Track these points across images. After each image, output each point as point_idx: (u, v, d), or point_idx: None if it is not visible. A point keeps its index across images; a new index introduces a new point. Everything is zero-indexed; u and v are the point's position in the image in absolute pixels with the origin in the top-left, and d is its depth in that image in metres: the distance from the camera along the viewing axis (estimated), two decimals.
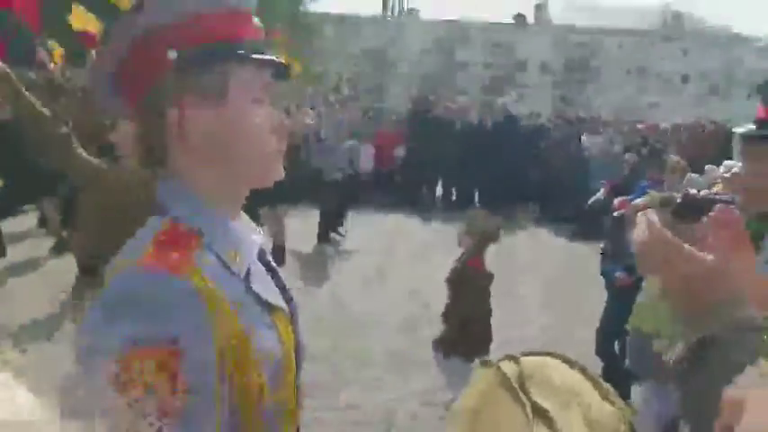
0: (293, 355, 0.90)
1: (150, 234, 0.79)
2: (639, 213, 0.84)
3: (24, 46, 6.88)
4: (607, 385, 0.77)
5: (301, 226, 7.19)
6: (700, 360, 0.74)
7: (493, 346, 4.52)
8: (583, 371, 0.79)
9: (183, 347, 0.69)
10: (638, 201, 3.51)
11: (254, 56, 0.82)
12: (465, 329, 3.47)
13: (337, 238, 7.67)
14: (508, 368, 0.77)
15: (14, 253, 5.57)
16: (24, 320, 4.14)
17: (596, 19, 54.74)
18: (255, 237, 0.91)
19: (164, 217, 0.81)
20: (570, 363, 0.79)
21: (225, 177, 0.84)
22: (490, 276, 3.52)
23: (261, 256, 0.91)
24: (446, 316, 3.54)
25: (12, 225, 6.14)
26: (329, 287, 5.85)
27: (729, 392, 0.56)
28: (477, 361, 3.45)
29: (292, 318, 0.92)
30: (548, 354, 0.82)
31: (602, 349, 4.02)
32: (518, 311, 5.44)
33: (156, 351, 0.68)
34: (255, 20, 0.86)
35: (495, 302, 5.50)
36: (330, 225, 7.53)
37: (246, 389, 0.78)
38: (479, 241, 3.45)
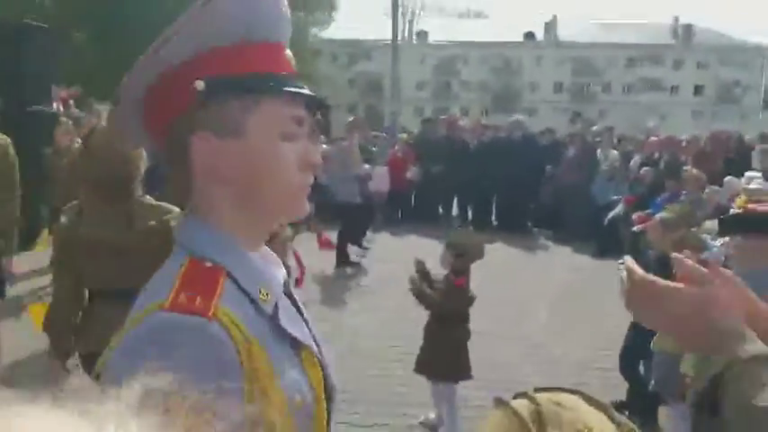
0: (323, 395, 0.86)
1: (174, 273, 0.77)
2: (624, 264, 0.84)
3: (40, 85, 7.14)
4: (631, 425, 0.73)
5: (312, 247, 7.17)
6: (713, 403, 0.72)
7: (524, 367, 4.48)
8: (604, 409, 0.74)
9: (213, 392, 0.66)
10: (658, 216, 3.44)
11: (285, 89, 0.79)
12: (446, 351, 3.43)
13: (358, 257, 7.63)
14: (524, 409, 0.72)
15: None
16: None
17: (605, 35, 54.80)
18: (279, 271, 0.88)
19: (187, 253, 0.79)
20: (590, 400, 0.75)
21: (247, 213, 0.81)
22: (471, 298, 3.46)
23: (284, 290, 0.88)
24: (426, 336, 3.48)
25: None
26: (350, 316, 5.80)
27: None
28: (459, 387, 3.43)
29: (320, 355, 0.89)
30: (565, 390, 0.77)
31: (627, 370, 3.92)
32: (542, 331, 5.34)
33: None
34: (288, 52, 0.84)
35: (521, 322, 5.52)
36: (352, 240, 7.53)
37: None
38: (464, 260, 3.41)
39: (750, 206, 2.22)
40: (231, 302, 0.75)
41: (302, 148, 0.82)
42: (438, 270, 3.60)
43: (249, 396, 0.71)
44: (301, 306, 0.92)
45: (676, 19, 57.42)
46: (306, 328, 0.88)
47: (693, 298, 0.77)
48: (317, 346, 0.89)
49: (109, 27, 19.16)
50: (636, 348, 3.76)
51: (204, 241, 0.80)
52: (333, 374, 0.92)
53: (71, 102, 8.32)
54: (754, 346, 0.72)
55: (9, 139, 3.52)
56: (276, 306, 0.81)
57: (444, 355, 3.41)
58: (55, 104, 7.63)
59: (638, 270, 0.80)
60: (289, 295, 0.89)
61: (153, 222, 2.33)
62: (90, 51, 19.03)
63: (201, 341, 0.70)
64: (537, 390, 0.78)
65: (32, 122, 6.60)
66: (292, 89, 0.80)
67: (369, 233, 8.97)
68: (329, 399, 0.89)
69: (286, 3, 0.83)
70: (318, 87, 32.50)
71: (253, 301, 0.78)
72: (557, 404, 0.73)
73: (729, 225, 2.38)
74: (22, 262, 3.70)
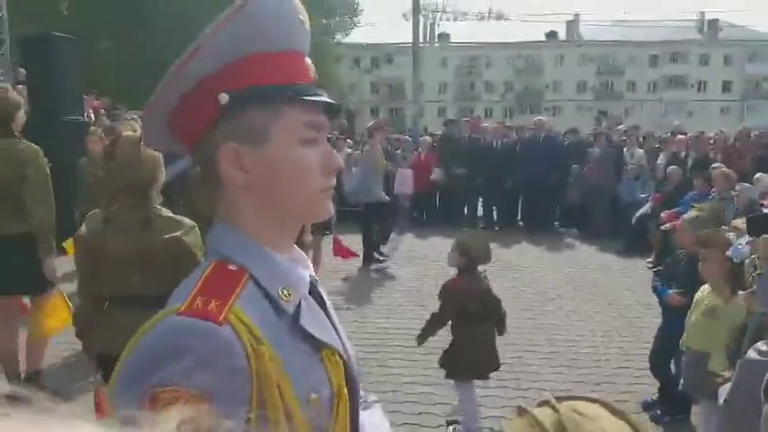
0: (345, 394, 0.88)
1: (197, 278, 0.80)
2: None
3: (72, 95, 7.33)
4: None
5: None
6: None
7: (550, 367, 4.46)
8: (626, 419, 0.74)
9: (215, 400, 0.69)
10: (686, 215, 3.40)
11: (303, 97, 0.82)
12: (451, 349, 3.47)
13: (383, 258, 7.68)
14: (546, 418, 0.73)
15: None
16: None
17: (629, 33, 54.07)
18: (306, 271, 0.90)
19: (215, 258, 0.82)
20: (612, 410, 0.75)
21: (273, 217, 0.85)
22: (472, 298, 3.45)
23: (312, 290, 0.90)
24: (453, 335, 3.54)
25: None
26: (374, 310, 5.83)
27: None
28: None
29: (346, 355, 0.91)
30: (587, 398, 0.78)
31: (658, 369, 3.88)
32: (568, 331, 5.31)
33: (186, 395, 0.69)
34: (307, 60, 0.86)
35: (547, 322, 5.49)
36: (376, 242, 7.59)
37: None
38: (470, 261, 3.44)
39: None
40: (250, 304, 0.77)
41: (323, 152, 0.86)
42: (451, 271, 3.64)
43: (256, 401, 0.73)
44: (329, 306, 0.95)
45: (702, 14, 56.37)
46: (331, 328, 0.90)
47: None
48: (343, 344, 0.91)
49: (137, 37, 19.56)
50: (666, 347, 3.72)
51: (230, 245, 0.83)
52: (356, 371, 0.94)
53: (102, 111, 8.53)
54: None
55: (39, 148, 3.63)
56: (299, 306, 0.83)
57: (462, 354, 3.43)
58: (86, 114, 7.83)
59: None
60: (316, 295, 0.91)
61: (168, 234, 2.41)
62: (119, 61, 19.45)
63: (209, 346, 0.72)
64: (559, 398, 0.78)
65: (64, 132, 6.78)
66: (312, 97, 0.83)
67: (393, 234, 9.01)
68: (352, 393, 0.91)
69: (305, 13, 0.86)
70: (341, 92, 32.76)
71: (273, 301, 0.81)
72: (578, 413, 0.74)
73: (759, 224, 2.35)
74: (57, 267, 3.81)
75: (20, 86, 7.40)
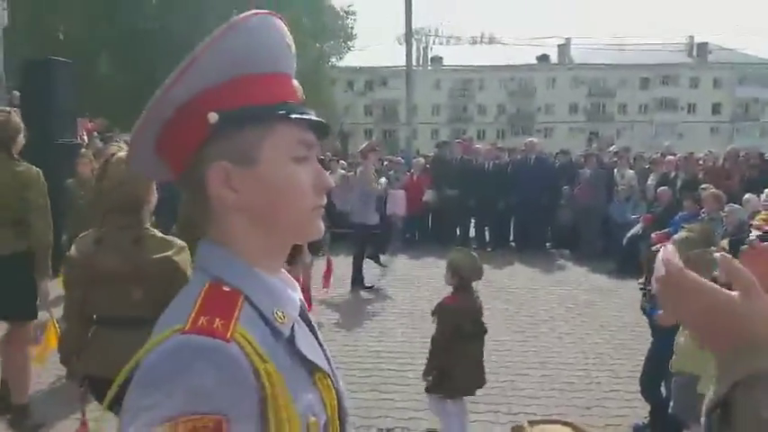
0: (337, 418, 0.89)
1: (193, 297, 0.78)
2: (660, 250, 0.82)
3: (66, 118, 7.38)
4: None
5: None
6: (726, 416, 0.69)
7: (540, 389, 4.45)
8: None
9: (230, 417, 0.69)
10: (677, 236, 3.42)
11: (293, 116, 0.83)
12: (441, 367, 3.49)
13: (375, 277, 7.66)
14: None
15: None
16: None
17: (619, 56, 54.81)
18: (295, 293, 0.90)
19: (205, 278, 0.81)
20: (576, 429, 0.76)
21: (263, 237, 0.84)
22: (465, 312, 3.51)
23: (301, 313, 0.90)
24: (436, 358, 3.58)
25: None
26: (365, 334, 5.81)
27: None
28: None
29: (333, 378, 0.91)
30: (561, 422, 0.79)
31: (648, 392, 3.88)
32: (559, 352, 5.31)
33: (202, 420, 0.67)
34: (294, 82, 0.88)
35: (539, 343, 5.49)
36: (372, 257, 7.61)
37: None
38: (462, 279, 3.51)
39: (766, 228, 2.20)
40: (249, 325, 0.76)
41: (314, 170, 0.86)
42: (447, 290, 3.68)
43: (265, 419, 0.73)
44: (316, 329, 0.94)
45: (691, 38, 57.25)
46: (321, 352, 0.90)
47: (737, 302, 0.73)
48: (332, 369, 0.91)
49: (132, 59, 19.69)
50: (656, 370, 3.73)
51: (223, 266, 0.82)
52: (345, 398, 0.94)
53: (95, 133, 8.57)
54: None
55: (39, 170, 3.66)
56: (293, 329, 0.83)
57: (455, 372, 3.46)
58: (79, 136, 7.86)
59: (679, 262, 0.77)
60: (305, 318, 0.91)
61: (159, 254, 2.40)
62: (116, 84, 19.54)
63: (221, 362, 0.71)
64: (532, 422, 0.80)
65: (57, 154, 6.80)
66: (300, 115, 0.84)
67: (386, 255, 9.02)
68: (342, 422, 0.91)
69: (290, 36, 0.88)
70: (336, 114, 32.97)
71: (269, 323, 0.80)
72: None
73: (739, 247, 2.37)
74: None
75: (14, 109, 7.43)
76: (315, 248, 6.05)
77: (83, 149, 6.82)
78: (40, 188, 3.61)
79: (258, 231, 0.84)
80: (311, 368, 0.84)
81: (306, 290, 6.17)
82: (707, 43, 56.04)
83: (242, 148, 0.81)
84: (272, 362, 0.75)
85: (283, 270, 0.91)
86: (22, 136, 3.70)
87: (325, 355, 0.92)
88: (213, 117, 0.79)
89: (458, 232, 10.49)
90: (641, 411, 4.02)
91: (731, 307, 0.73)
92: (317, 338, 0.92)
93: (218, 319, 0.74)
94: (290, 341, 0.81)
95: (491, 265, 8.71)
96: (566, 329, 5.97)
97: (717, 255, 0.82)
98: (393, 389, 4.48)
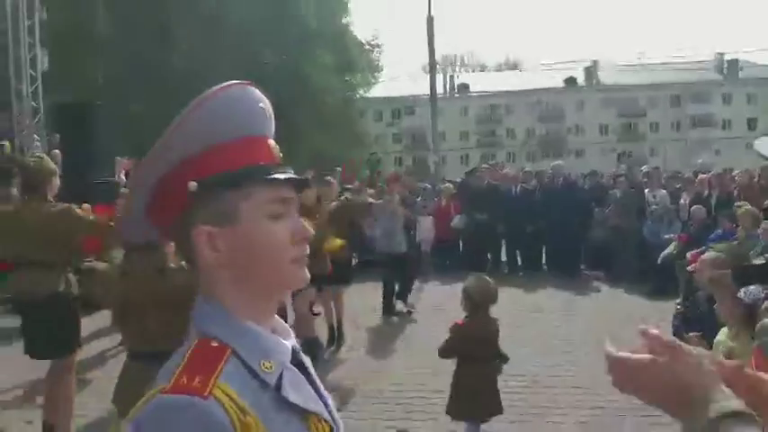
0: None
1: (182, 357, 0.84)
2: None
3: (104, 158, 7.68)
4: None
5: (360, 300, 7.27)
6: None
7: (573, 415, 4.37)
8: None
9: None
10: (705, 257, 3.35)
11: (268, 177, 0.90)
12: (456, 389, 3.58)
13: (404, 309, 7.65)
14: None
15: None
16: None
17: (648, 76, 54.28)
18: (288, 341, 0.94)
19: (197, 336, 0.87)
20: None
21: (249, 291, 0.89)
22: (476, 342, 3.56)
23: (295, 358, 0.93)
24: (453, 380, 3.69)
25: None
26: (398, 363, 5.80)
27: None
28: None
29: (332, 421, 0.94)
30: None
31: None
32: (594, 376, 5.20)
33: None
34: (271, 142, 0.95)
35: (573, 367, 5.38)
36: (395, 295, 7.57)
37: None
38: (472, 304, 3.58)
39: None
40: (233, 378, 0.81)
41: (291, 224, 0.91)
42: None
43: None
44: (312, 372, 0.98)
45: (721, 55, 56.39)
46: (316, 396, 0.94)
47: (662, 367, 0.80)
48: (330, 411, 0.95)
49: (164, 96, 20.36)
50: None
51: (211, 321, 0.87)
52: (341, 426, 0.97)
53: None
54: (720, 405, 0.74)
55: (70, 205, 3.82)
56: (281, 377, 0.86)
57: (462, 394, 3.52)
58: (118, 175, 8.15)
59: (613, 352, 0.85)
60: (299, 364, 0.95)
61: (181, 280, 2.47)
62: (150, 122, 20.16)
63: (197, 418, 0.76)
64: None
65: (96, 193, 7.04)
66: (274, 176, 0.91)
67: (417, 283, 9.01)
68: None
69: (266, 100, 0.95)
70: (365, 144, 33.34)
71: (256, 374, 0.84)
72: None
73: (742, 276, 2.34)
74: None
75: (55, 151, 7.76)
76: (341, 279, 6.13)
77: (123, 188, 7.06)
78: (76, 213, 3.74)
79: (242, 286, 0.89)
80: (302, 413, 0.88)
81: (338, 320, 6.21)
82: (737, 60, 55.11)
83: (221, 210, 0.88)
84: (256, 413, 0.80)
85: (277, 318, 0.96)
86: (56, 179, 3.87)
87: (322, 398, 0.95)
88: (193, 185, 0.87)
89: (489, 257, 10.44)
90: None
91: (661, 372, 0.80)
92: (313, 382, 0.95)
93: (198, 377, 0.79)
94: (277, 389, 0.85)
95: (523, 289, 8.64)
96: (600, 354, 5.83)
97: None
98: (420, 416, 4.45)
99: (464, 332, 3.55)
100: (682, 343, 0.82)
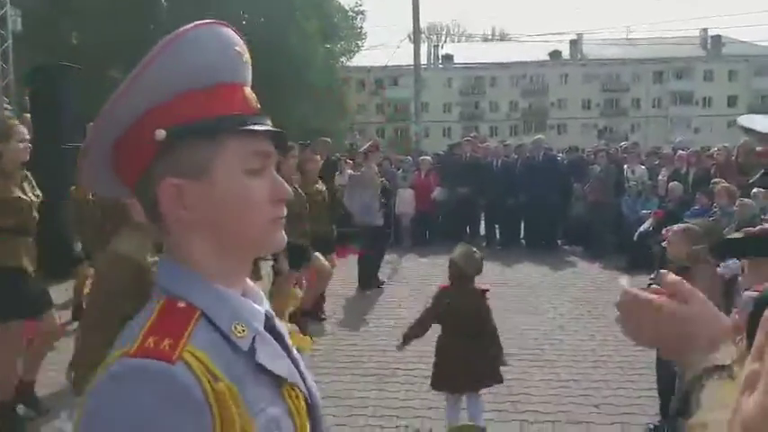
0: (306, 423, 0.87)
1: (146, 318, 0.77)
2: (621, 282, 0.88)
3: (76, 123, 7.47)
4: None
5: (337, 272, 7.23)
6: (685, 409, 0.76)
7: (548, 387, 4.42)
8: None
9: None
10: (675, 228, 3.38)
11: (243, 127, 0.81)
12: (436, 359, 3.59)
13: (384, 276, 7.67)
14: None
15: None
16: None
17: (631, 51, 54.29)
18: (262, 305, 0.88)
19: (162, 297, 0.80)
20: None
21: (220, 252, 0.82)
22: (459, 308, 3.53)
23: (267, 324, 0.87)
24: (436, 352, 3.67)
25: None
26: (370, 333, 5.81)
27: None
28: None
29: (306, 389, 0.90)
30: (474, 428, 0.86)
31: (660, 390, 3.83)
32: (570, 350, 5.27)
33: None
34: (247, 90, 0.85)
35: (549, 341, 5.45)
36: (372, 269, 7.56)
37: None
38: (457, 272, 3.56)
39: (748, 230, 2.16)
40: (203, 342, 0.75)
41: (270, 181, 0.83)
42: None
43: None
44: (286, 338, 0.92)
45: (705, 31, 56.49)
46: (290, 363, 0.88)
47: (674, 310, 0.80)
48: (304, 380, 0.90)
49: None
50: (666, 366, 3.68)
51: (178, 282, 0.80)
52: (319, 409, 0.93)
53: None
54: (714, 356, 0.75)
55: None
56: (254, 341, 0.81)
57: (446, 367, 3.53)
58: None
59: (632, 290, 0.85)
60: (273, 330, 0.88)
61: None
62: None
63: (164, 386, 0.70)
64: (453, 428, 0.86)
65: (66, 159, 6.87)
66: (251, 126, 0.82)
67: (395, 255, 9.01)
68: (314, 420, 0.91)
69: (241, 43, 0.85)
70: (349, 114, 32.98)
71: (228, 338, 0.78)
72: None
73: (722, 250, 2.35)
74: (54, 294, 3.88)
75: (26, 115, 7.53)
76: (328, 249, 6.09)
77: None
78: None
79: (214, 246, 0.82)
80: (277, 380, 0.83)
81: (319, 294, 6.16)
82: (720, 36, 55.27)
83: (191, 162, 0.79)
84: (228, 378, 0.74)
85: (248, 281, 0.89)
86: (15, 143, 3.74)
87: (296, 365, 0.90)
88: (160, 134, 0.78)
89: (468, 230, 10.46)
90: (650, 409, 3.98)
91: (673, 317, 0.80)
92: (287, 349, 0.90)
93: (166, 339, 0.73)
94: (250, 354, 0.80)
95: (500, 262, 8.69)
96: (575, 326, 5.93)
97: (659, 275, 0.90)
98: (400, 387, 4.47)
99: (447, 295, 3.53)
100: (700, 293, 0.83)
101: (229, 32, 0.84)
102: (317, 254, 5.79)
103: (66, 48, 19.63)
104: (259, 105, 0.86)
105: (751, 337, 0.56)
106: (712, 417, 0.68)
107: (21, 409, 3.92)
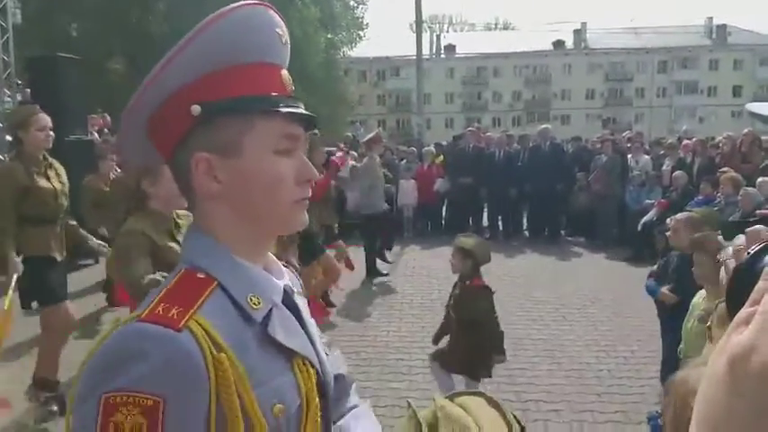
0: (317, 404, 0.88)
1: (164, 286, 0.80)
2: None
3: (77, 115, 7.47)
4: (522, 425, 0.85)
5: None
6: None
7: (551, 376, 4.40)
8: (501, 411, 0.86)
9: (170, 401, 0.69)
10: (678, 216, 3.36)
11: (276, 108, 0.83)
12: (473, 350, 3.55)
13: (383, 271, 7.64)
14: (427, 411, 0.85)
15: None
16: None
17: (636, 40, 53.93)
18: (281, 280, 0.90)
19: (183, 266, 0.83)
20: (489, 400, 0.86)
21: (245, 226, 0.85)
22: (490, 293, 3.61)
23: (288, 299, 0.90)
24: (450, 336, 3.70)
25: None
26: (375, 324, 5.80)
27: None
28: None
29: (318, 363, 0.91)
30: (475, 393, 0.91)
31: (663, 378, 3.82)
32: (573, 339, 5.25)
33: (141, 397, 0.69)
34: (284, 72, 0.87)
35: (553, 330, 5.43)
36: (378, 253, 7.57)
37: None
38: (473, 264, 3.55)
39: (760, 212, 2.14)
40: (215, 312, 0.77)
41: (297, 163, 0.86)
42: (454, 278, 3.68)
43: (216, 409, 0.73)
44: (306, 316, 0.94)
45: (710, 20, 56.07)
46: (305, 337, 0.90)
47: None
48: (318, 355, 0.91)
49: (143, 60, 19.86)
50: (670, 355, 3.66)
51: (201, 253, 0.83)
52: (330, 383, 0.94)
53: (105, 130, 8.64)
54: None
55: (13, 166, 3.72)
56: (269, 314, 0.83)
57: (462, 356, 3.55)
58: (90, 133, 7.94)
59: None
60: (292, 305, 0.90)
61: None
62: (126, 82, 19.73)
63: (165, 351, 0.71)
64: (455, 394, 0.94)
65: (68, 151, 6.85)
66: (285, 109, 0.83)
67: (398, 246, 8.99)
68: (325, 403, 0.92)
69: (284, 27, 0.87)
70: (349, 104, 32.88)
71: (242, 309, 0.80)
72: (459, 406, 0.82)
73: (732, 232, 2.32)
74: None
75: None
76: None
77: (103, 147, 6.94)
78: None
79: (240, 221, 0.85)
80: (288, 353, 0.84)
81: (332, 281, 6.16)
82: (725, 25, 54.85)
83: (224, 139, 0.82)
84: (235, 350, 0.76)
85: (272, 257, 0.92)
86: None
87: (312, 341, 0.91)
88: (196, 109, 0.81)
89: (470, 222, 10.43)
90: (652, 398, 3.96)
91: None
92: (304, 325, 0.92)
93: (176, 308, 0.75)
94: (263, 326, 0.81)
95: (504, 253, 8.66)
96: (577, 317, 5.91)
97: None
98: (401, 378, 4.46)
99: (488, 288, 3.56)
100: None
101: (273, 14, 0.87)
102: (328, 252, 5.77)
103: (66, 40, 19.56)
104: (293, 89, 0.88)
105: (732, 299, 0.50)
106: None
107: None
